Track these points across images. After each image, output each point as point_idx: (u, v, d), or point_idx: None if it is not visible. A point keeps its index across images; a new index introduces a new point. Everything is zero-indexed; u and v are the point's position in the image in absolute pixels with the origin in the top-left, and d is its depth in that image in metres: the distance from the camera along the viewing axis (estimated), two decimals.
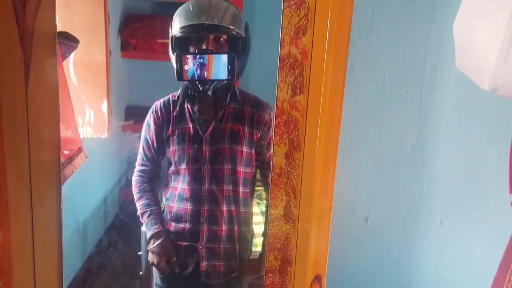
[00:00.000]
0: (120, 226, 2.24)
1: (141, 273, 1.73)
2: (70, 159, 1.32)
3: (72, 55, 1.60)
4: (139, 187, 1.37)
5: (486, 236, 1.08)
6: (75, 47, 1.26)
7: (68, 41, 1.20)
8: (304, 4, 0.70)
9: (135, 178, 1.38)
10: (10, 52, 0.74)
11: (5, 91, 0.75)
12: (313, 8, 0.70)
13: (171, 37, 1.22)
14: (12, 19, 0.73)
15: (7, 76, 0.75)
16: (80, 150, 1.37)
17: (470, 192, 1.08)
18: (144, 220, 1.33)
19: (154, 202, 1.36)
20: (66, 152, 1.36)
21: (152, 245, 1.31)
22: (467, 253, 1.10)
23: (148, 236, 1.32)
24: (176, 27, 1.20)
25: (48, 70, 0.77)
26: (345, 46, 0.73)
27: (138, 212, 1.35)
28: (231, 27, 1.19)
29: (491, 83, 0.51)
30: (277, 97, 0.76)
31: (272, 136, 1.29)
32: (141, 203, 1.35)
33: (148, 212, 1.33)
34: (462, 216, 1.09)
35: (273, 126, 1.27)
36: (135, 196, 1.37)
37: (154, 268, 1.37)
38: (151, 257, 1.33)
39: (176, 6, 1.31)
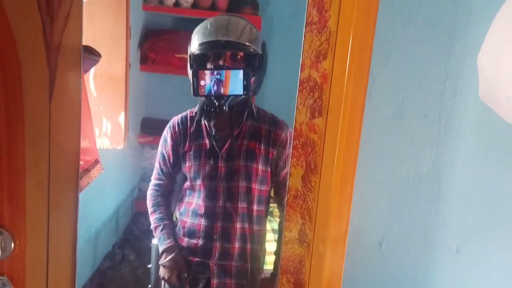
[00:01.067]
0: (131, 238, 2.24)
1: (149, 286, 1.72)
2: (87, 170, 1.34)
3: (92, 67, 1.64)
4: (153, 201, 1.37)
5: (504, 265, 1.05)
6: (97, 61, 1.29)
7: (91, 55, 1.23)
8: (325, 29, 0.71)
9: (150, 192, 1.39)
10: (35, 64, 0.76)
11: (29, 103, 0.77)
12: (335, 33, 0.71)
13: (190, 55, 1.24)
14: (39, 33, 0.75)
15: (31, 88, 0.77)
16: (96, 162, 1.39)
17: (488, 220, 1.05)
18: (157, 234, 1.34)
19: (168, 217, 1.36)
20: (82, 163, 1.38)
21: (164, 260, 1.31)
22: (484, 282, 1.07)
23: (160, 250, 1.33)
24: (194, 45, 1.22)
25: (72, 83, 0.79)
26: (365, 71, 0.73)
27: (152, 226, 1.36)
28: (248, 44, 1.20)
29: None
30: (295, 120, 0.76)
31: (288, 155, 1.30)
32: (155, 217, 1.35)
33: (161, 226, 1.33)
34: (480, 244, 1.06)
35: (289, 144, 1.28)
36: (149, 209, 1.38)
37: (163, 283, 1.37)
38: (162, 272, 1.32)
39: (196, 21, 1.33)
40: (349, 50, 0.72)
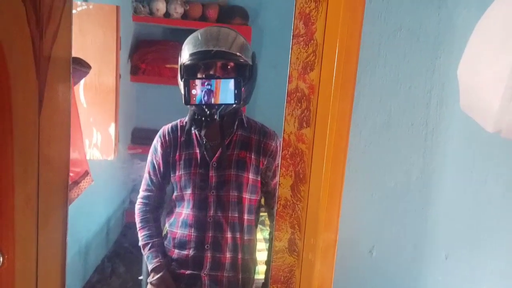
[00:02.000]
0: (122, 249, 2.22)
1: None
2: (76, 182, 1.33)
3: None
4: (141, 216, 1.36)
5: (492, 272, 1.06)
6: (87, 73, 1.29)
7: (81, 67, 1.23)
8: (312, 41, 0.72)
9: (138, 206, 1.38)
10: (25, 78, 0.76)
11: (18, 115, 0.77)
12: (321, 45, 0.72)
13: (180, 65, 1.25)
14: (29, 47, 0.76)
15: (21, 101, 0.77)
16: (86, 173, 1.38)
17: (476, 226, 1.07)
18: (145, 252, 1.33)
19: (156, 233, 1.35)
20: (71, 174, 1.37)
21: (152, 278, 1.30)
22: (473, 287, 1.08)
23: (149, 269, 1.32)
24: (185, 55, 1.23)
25: (62, 96, 0.79)
26: (352, 82, 0.74)
27: (140, 243, 1.34)
28: (239, 54, 1.22)
29: (495, 126, 0.51)
30: (284, 130, 0.77)
31: (278, 165, 1.31)
32: (143, 233, 1.34)
33: (150, 244, 1.32)
34: (468, 251, 1.08)
35: (279, 154, 1.29)
36: (138, 225, 1.36)
37: None
38: None
39: (186, 32, 1.34)
40: (336, 61, 0.73)
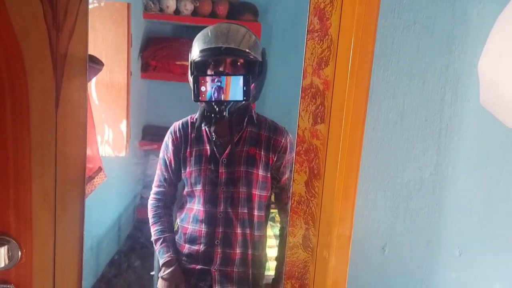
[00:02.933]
0: (133, 245, 2.24)
1: None
2: (90, 178, 1.35)
3: None
4: (154, 211, 1.37)
5: (506, 269, 1.05)
6: (100, 70, 1.30)
7: (94, 64, 1.24)
8: (327, 36, 0.72)
9: (151, 202, 1.39)
10: (42, 75, 0.77)
11: (35, 112, 0.78)
12: (336, 40, 0.72)
13: (191, 62, 1.25)
14: (46, 44, 0.76)
15: (38, 98, 0.78)
16: (100, 169, 1.40)
17: (490, 223, 1.06)
18: (157, 247, 1.34)
19: (168, 229, 1.36)
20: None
21: (163, 273, 1.31)
22: (487, 284, 1.07)
23: (160, 263, 1.33)
24: (195, 52, 1.24)
25: (78, 92, 0.80)
26: (367, 77, 0.74)
27: (152, 238, 1.36)
28: (248, 50, 1.22)
29: None
30: (298, 126, 0.77)
31: (288, 161, 1.31)
32: (155, 228, 1.35)
33: (162, 239, 1.33)
34: (482, 248, 1.07)
35: (289, 150, 1.29)
36: (150, 220, 1.38)
37: None
38: (161, 284, 1.33)
39: (196, 28, 1.35)
40: (351, 57, 0.73)
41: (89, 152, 1.37)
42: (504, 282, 1.04)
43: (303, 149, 0.77)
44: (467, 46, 0.99)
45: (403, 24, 0.98)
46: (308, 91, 0.75)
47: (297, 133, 0.77)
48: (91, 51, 1.49)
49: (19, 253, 0.79)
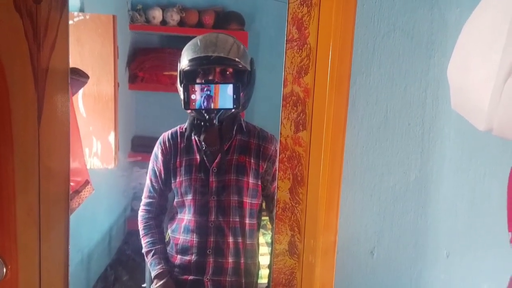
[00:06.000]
0: (124, 257, 2.22)
1: None
2: (77, 191, 1.34)
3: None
4: (144, 223, 1.37)
5: (494, 270, 1.06)
6: (85, 83, 1.30)
7: (79, 77, 1.24)
8: (306, 45, 0.73)
9: (141, 213, 1.39)
10: (24, 90, 0.78)
11: (17, 127, 0.78)
12: (315, 48, 0.73)
13: (180, 71, 1.26)
14: (27, 59, 0.77)
15: (20, 113, 0.78)
16: (87, 182, 1.39)
17: (476, 224, 1.07)
18: (148, 259, 1.34)
19: (160, 240, 1.36)
20: (72, 184, 1.38)
21: (155, 285, 1.31)
22: (474, 286, 1.08)
23: (152, 275, 1.33)
24: (184, 61, 1.24)
25: (60, 106, 0.80)
26: (346, 83, 0.75)
27: (143, 250, 1.35)
28: (237, 60, 1.23)
29: (486, 125, 0.52)
30: (280, 133, 0.78)
31: (277, 168, 1.31)
32: (146, 240, 1.35)
33: (153, 251, 1.33)
34: (469, 249, 1.08)
35: (278, 159, 1.30)
36: (141, 232, 1.37)
37: None
38: None
39: (183, 39, 1.36)
40: (329, 64, 0.74)
41: (76, 165, 1.36)
42: (491, 282, 1.05)
43: (286, 156, 0.78)
44: (446, 51, 1.01)
45: (383, 30, 1.00)
46: (289, 99, 0.76)
47: (280, 141, 0.78)
48: (77, 64, 1.49)
49: (4, 270, 0.78)
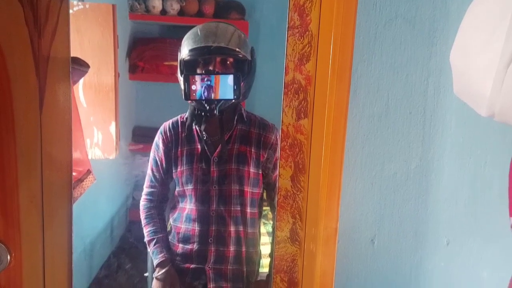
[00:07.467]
0: (127, 247, 2.24)
1: None
2: (79, 180, 1.34)
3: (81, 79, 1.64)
4: (146, 212, 1.37)
5: (494, 257, 1.07)
6: (86, 72, 1.29)
7: (79, 66, 1.24)
8: (307, 32, 0.73)
9: (142, 203, 1.39)
10: (25, 78, 0.77)
11: (19, 115, 0.78)
12: (316, 36, 0.73)
13: (180, 61, 1.25)
14: (28, 47, 0.76)
15: (22, 101, 0.78)
16: (89, 172, 1.40)
17: (477, 212, 1.08)
18: (150, 248, 1.35)
19: (161, 229, 1.36)
20: (74, 174, 1.38)
21: (157, 274, 1.32)
22: (475, 274, 1.09)
23: (154, 264, 1.34)
24: (184, 51, 1.24)
25: (62, 95, 0.80)
26: (347, 71, 0.75)
27: (145, 239, 1.36)
28: (238, 49, 1.22)
29: (488, 110, 0.52)
30: (282, 121, 0.78)
31: (278, 158, 1.32)
32: (148, 229, 1.36)
33: (155, 240, 1.34)
34: (470, 237, 1.09)
35: (279, 147, 1.30)
36: (143, 221, 1.38)
37: None
38: (155, 285, 1.33)
39: (183, 29, 1.35)
40: (331, 51, 0.74)
41: (77, 155, 1.37)
42: (491, 269, 1.06)
43: (288, 144, 0.78)
44: (448, 38, 1.00)
45: (385, 18, 0.99)
46: (291, 86, 0.76)
47: (281, 129, 0.78)
48: (77, 54, 1.48)
49: (8, 257, 0.79)
